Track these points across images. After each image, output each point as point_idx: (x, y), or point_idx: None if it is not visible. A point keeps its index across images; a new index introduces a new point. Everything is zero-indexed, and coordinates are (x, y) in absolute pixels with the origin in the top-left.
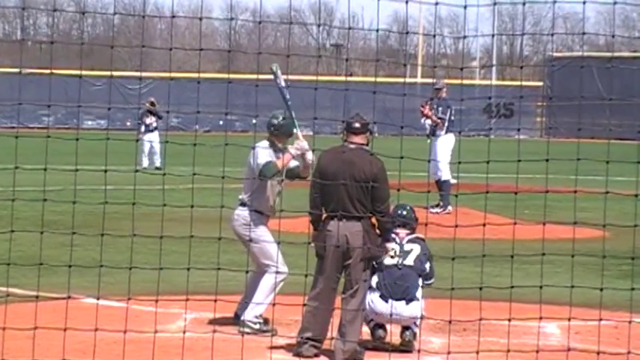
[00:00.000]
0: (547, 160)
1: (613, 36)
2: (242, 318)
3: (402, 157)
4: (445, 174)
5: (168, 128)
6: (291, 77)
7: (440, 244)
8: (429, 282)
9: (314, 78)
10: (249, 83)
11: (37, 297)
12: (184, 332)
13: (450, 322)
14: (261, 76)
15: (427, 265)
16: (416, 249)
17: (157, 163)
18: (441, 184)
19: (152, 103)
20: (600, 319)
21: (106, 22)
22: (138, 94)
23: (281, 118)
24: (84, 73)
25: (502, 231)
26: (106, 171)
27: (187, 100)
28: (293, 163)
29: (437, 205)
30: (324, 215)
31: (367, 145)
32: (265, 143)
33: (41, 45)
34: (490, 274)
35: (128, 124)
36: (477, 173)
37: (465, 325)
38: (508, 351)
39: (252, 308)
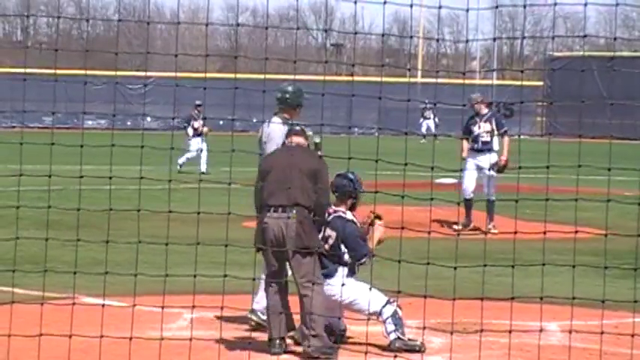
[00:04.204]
0: (547, 167)
1: (615, 38)
2: (253, 307)
3: (406, 164)
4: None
5: (171, 128)
6: (290, 77)
7: (441, 244)
8: (361, 262)
9: (314, 78)
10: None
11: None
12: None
13: (451, 332)
14: (260, 76)
15: (343, 249)
16: (332, 235)
17: (203, 168)
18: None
19: (198, 106)
20: (603, 330)
21: (106, 22)
22: (138, 94)
23: (290, 89)
24: (82, 72)
25: (502, 231)
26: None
27: (187, 99)
28: None
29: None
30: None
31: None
32: (278, 120)
33: (41, 45)
34: (491, 274)
35: (129, 123)
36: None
37: (466, 325)
38: None
39: (262, 298)
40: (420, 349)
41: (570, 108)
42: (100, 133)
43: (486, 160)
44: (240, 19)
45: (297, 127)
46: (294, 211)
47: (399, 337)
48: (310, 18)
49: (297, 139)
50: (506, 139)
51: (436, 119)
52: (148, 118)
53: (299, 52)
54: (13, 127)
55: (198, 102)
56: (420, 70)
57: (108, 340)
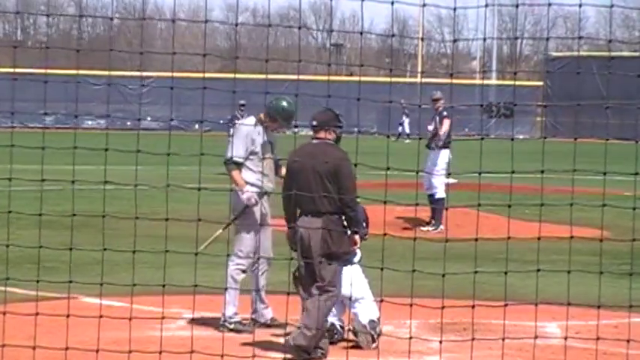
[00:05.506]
0: (542, 172)
1: (610, 41)
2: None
3: (388, 168)
4: (440, 192)
5: (170, 128)
6: (290, 77)
7: (438, 245)
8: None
9: (313, 78)
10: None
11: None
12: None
13: (440, 342)
14: (254, 76)
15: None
16: None
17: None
18: (434, 202)
19: (242, 105)
20: (601, 330)
21: (105, 21)
22: (137, 94)
23: (284, 103)
24: (83, 72)
25: (501, 231)
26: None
27: (187, 99)
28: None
29: (427, 224)
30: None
31: (338, 139)
32: (251, 120)
33: (40, 44)
34: (492, 274)
35: (128, 123)
36: (476, 173)
37: (465, 325)
38: None
39: (224, 308)
40: (376, 332)
41: (570, 108)
42: (99, 133)
43: (428, 158)
44: (240, 19)
45: (314, 123)
46: (321, 219)
47: (371, 320)
48: (310, 18)
49: (319, 135)
50: (445, 122)
51: (407, 120)
52: (148, 118)
53: (299, 51)
54: (13, 127)
55: (242, 102)
56: (419, 72)
57: (106, 340)
